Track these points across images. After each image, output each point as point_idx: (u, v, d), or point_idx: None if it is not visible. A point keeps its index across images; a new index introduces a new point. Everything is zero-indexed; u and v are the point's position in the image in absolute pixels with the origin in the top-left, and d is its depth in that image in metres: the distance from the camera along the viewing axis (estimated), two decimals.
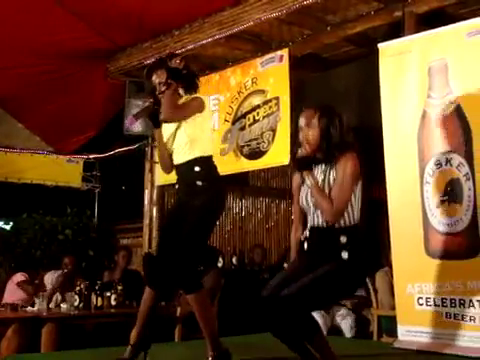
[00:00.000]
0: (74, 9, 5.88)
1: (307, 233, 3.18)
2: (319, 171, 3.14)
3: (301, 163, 3.15)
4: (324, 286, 3.00)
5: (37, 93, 7.34)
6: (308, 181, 3.10)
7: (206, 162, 3.71)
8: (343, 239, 3.03)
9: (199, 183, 3.64)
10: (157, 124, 3.74)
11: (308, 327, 3.02)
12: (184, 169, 3.73)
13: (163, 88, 3.67)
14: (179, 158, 3.74)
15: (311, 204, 3.14)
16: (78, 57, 6.74)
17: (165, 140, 3.79)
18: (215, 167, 3.77)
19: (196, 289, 3.57)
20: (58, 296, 6.11)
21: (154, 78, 3.75)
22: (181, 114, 3.68)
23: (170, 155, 3.80)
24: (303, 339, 3.04)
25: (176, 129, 3.73)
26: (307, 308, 3.02)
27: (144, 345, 3.74)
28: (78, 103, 7.56)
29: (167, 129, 3.78)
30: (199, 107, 3.68)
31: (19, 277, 6.82)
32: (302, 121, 3.16)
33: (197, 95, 3.76)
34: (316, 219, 3.13)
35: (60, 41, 6.36)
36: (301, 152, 3.14)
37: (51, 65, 6.86)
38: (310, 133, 3.12)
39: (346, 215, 3.06)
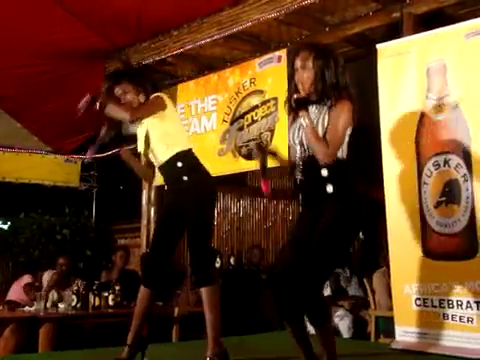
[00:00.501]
0: (73, 9, 5.87)
1: (298, 175, 3.19)
2: (311, 112, 3.15)
3: (298, 104, 3.13)
4: (328, 249, 3.01)
5: (35, 93, 7.33)
6: (304, 122, 3.09)
7: (187, 156, 3.75)
8: (324, 172, 3.05)
9: (185, 178, 3.67)
10: (122, 140, 3.80)
11: (323, 312, 3.05)
12: (167, 168, 3.76)
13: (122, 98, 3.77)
14: (159, 159, 3.77)
15: (297, 142, 3.16)
16: (76, 57, 6.73)
17: (140, 149, 3.84)
18: (197, 159, 3.81)
19: (210, 282, 3.58)
20: (54, 295, 6.09)
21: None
22: (143, 112, 3.72)
23: (148, 164, 3.86)
24: (317, 322, 3.05)
25: (146, 134, 3.77)
26: (324, 276, 3.12)
27: (141, 345, 3.74)
28: (76, 103, 7.54)
29: (139, 138, 3.82)
30: (161, 105, 3.71)
31: (26, 279, 6.83)
32: (297, 63, 3.16)
33: (157, 94, 3.78)
34: (302, 157, 3.15)
35: (58, 41, 6.35)
36: (297, 95, 3.13)
37: (49, 65, 6.85)
38: (305, 75, 3.12)
39: None
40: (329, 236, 3.02)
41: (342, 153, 3.11)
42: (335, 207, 3.03)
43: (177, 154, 3.71)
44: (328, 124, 3.07)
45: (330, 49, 3.25)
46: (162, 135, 3.72)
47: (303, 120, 3.09)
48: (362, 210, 3.11)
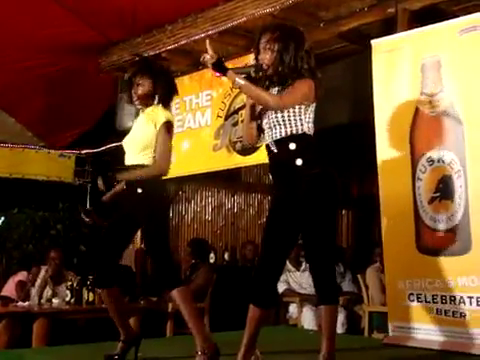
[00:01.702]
0: (67, 3, 5.86)
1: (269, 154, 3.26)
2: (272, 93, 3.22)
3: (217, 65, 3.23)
4: (328, 227, 3.20)
5: (29, 87, 7.31)
6: (238, 81, 3.13)
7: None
8: (292, 146, 3.14)
9: (139, 190, 3.62)
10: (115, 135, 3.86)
11: (336, 291, 3.29)
12: (126, 171, 3.76)
13: None
14: (127, 159, 3.80)
15: (265, 122, 3.22)
16: (70, 52, 6.71)
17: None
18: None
19: (176, 285, 3.59)
20: (48, 292, 6.08)
21: None
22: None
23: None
24: (329, 301, 3.19)
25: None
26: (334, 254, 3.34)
27: (135, 340, 3.75)
28: (70, 98, 7.53)
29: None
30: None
31: (19, 276, 6.80)
32: (261, 43, 3.23)
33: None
34: (269, 138, 3.22)
35: (52, 35, 6.33)
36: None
37: (43, 59, 6.83)
38: (267, 56, 3.19)
39: (293, 124, 3.15)
40: (322, 214, 3.14)
41: (309, 129, 3.19)
42: (309, 184, 3.11)
43: (142, 165, 3.67)
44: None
45: (294, 32, 3.28)
46: (141, 137, 3.71)
47: (239, 80, 3.12)
48: (335, 179, 3.18)
